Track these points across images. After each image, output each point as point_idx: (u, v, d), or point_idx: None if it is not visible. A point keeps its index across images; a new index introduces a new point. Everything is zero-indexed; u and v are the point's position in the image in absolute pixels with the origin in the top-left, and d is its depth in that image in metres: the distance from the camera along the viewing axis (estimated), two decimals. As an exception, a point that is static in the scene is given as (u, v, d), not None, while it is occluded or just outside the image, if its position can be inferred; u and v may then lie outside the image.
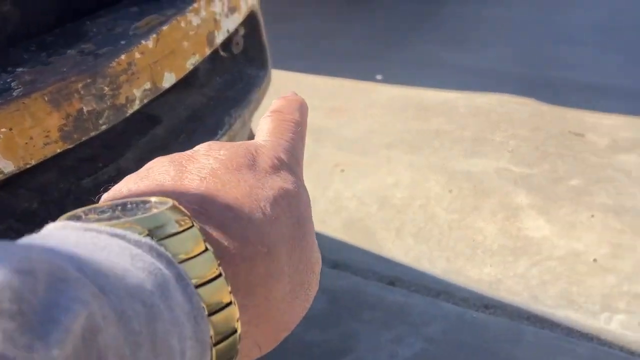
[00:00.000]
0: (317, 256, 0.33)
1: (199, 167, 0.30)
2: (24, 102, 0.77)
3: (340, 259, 1.76)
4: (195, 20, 1.01)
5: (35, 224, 0.89)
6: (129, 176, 0.31)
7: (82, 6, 1.03)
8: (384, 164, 2.15)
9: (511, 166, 2.09)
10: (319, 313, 1.59)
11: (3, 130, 0.76)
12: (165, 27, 0.94)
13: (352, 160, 2.18)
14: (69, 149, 0.84)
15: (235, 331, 0.26)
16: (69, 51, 0.87)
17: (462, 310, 1.57)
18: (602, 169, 2.04)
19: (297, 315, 0.32)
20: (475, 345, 1.46)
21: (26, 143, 0.79)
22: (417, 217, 1.89)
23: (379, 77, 2.76)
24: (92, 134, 0.86)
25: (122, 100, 0.88)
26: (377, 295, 1.63)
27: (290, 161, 0.33)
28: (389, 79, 2.73)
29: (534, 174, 2.04)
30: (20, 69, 0.83)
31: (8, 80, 0.80)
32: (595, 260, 1.68)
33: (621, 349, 1.43)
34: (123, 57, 0.87)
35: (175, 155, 0.32)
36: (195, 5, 1.01)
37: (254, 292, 0.27)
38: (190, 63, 1.01)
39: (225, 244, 0.27)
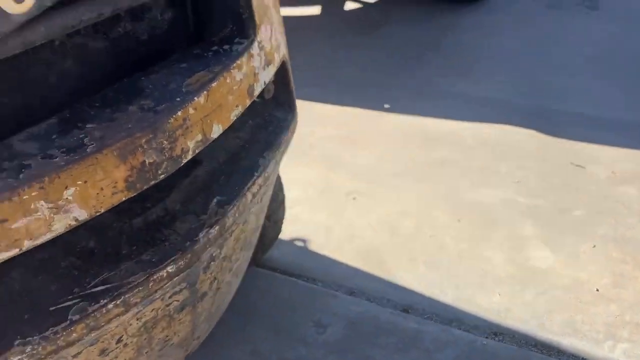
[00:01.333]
0: None
1: None
2: (96, 158, 0.87)
3: (356, 286, 1.85)
4: (238, 75, 1.11)
5: (93, 261, 0.99)
6: None
7: (135, 61, 1.13)
8: (394, 193, 2.25)
9: (517, 197, 2.19)
10: (336, 338, 1.67)
11: (79, 183, 0.86)
12: (214, 84, 1.04)
13: (364, 189, 2.28)
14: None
15: None
16: (130, 107, 0.97)
17: (473, 337, 1.65)
18: (604, 200, 2.14)
19: None
20: (486, 372, 1.54)
21: (97, 193, 0.88)
22: (427, 246, 1.98)
23: (386, 105, 2.87)
24: (152, 182, 0.95)
25: (177, 152, 0.98)
26: (392, 321, 1.71)
27: None
28: (397, 108, 2.84)
29: (539, 205, 2.14)
30: (89, 125, 0.92)
31: (81, 136, 0.90)
32: (597, 289, 1.78)
33: (624, 376, 1.52)
34: (179, 113, 0.97)
35: None
36: (239, 62, 1.11)
37: None
38: (234, 114, 1.11)
39: None
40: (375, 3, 4.20)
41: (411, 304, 1.77)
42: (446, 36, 3.58)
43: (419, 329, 1.69)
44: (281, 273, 1.90)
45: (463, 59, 3.30)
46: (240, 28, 1.18)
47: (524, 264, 1.89)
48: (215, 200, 1.15)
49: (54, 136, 0.90)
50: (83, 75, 1.05)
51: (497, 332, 1.67)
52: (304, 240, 2.03)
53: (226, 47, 1.15)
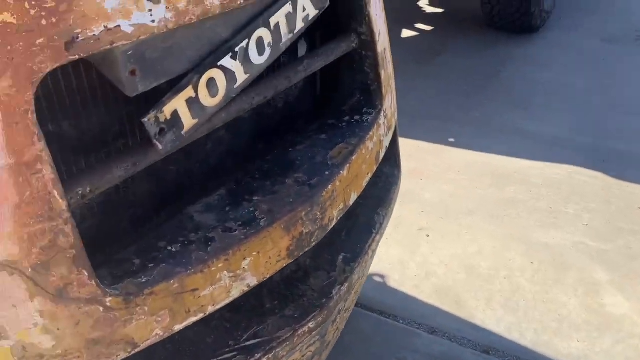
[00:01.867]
0: None
1: None
2: (268, 231, 0.97)
3: (437, 324, 1.93)
4: (370, 145, 1.21)
5: (242, 314, 1.08)
6: None
7: (272, 125, 1.23)
8: (466, 231, 2.32)
9: (587, 240, 2.25)
10: (421, 377, 1.76)
11: (254, 254, 0.96)
12: (354, 157, 1.14)
13: (436, 225, 2.36)
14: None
15: None
16: (287, 180, 1.07)
17: (553, 382, 1.72)
18: (674, 247, 2.19)
19: None
20: (570, 418, 1.61)
21: (266, 262, 0.98)
22: (503, 288, 2.06)
23: (451, 139, 2.95)
24: (306, 249, 1.05)
25: (326, 221, 1.08)
26: (474, 363, 1.79)
27: None
28: (461, 143, 2.91)
29: (608, 249, 2.20)
30: (255, 198, 1.03)
31: (251, 209, 1.00)
32: (674, 340, 1.83)
33: None
34: (330, 186, 1.07)
35: None
36: (371, 133, 1.21)
37: None
38: (365, 182, 1.21)
39: None
40: (430, 31, 4.28)
41: (491, 346, 1.85)
42: (504, 68, 3.64)
43: (501, 371, 1.76)
44: (364, 308, 1.99)
45: (523, 93, 3.36)
46: (368, 98, 1.28)
47: (598, 310, 1.95)
48: (341, 257, 1.25)
49: (227, 208, 1.01)
50: (233, 141, 1.16)
51: (577, 378, 1.74)
52: (382, 276, 2.12)
53: (357, 117, 1.25)
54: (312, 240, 1.06)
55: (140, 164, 0.87)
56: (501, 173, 2.67)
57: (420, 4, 4.77)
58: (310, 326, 1.12)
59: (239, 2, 0.84)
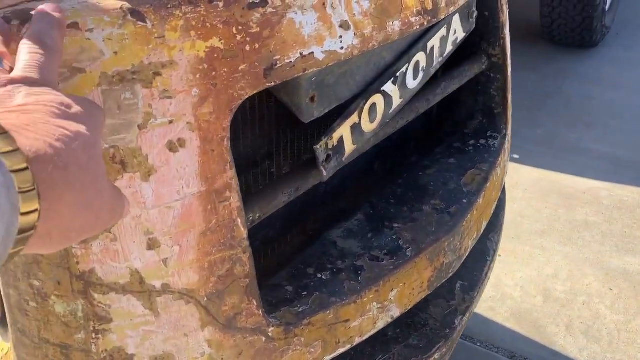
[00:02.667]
0: (106, 183, 0.46)
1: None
2: (415, 261, 0.94)
3: (517, 350, 1.88)
4: (499, 171, 1.17)
5: (365, 341, 1.04)
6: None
7: (392, 142, 1.20)
8: (540, 252, 2.27)
9: (666, 268, 2.18)
10: (504, 404, 1.71)
11: (401, 285, 0.93)
12: (488, 185, 1.10)
13: (508, 246, 2.31)
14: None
15: (37, 210, 0.39)
16: (424, 207, 1.04)
17: (643, 417, 1.67)
18: None
19: (87, 223, 0.45)
20: None
21: (409, 293, 0.95)
22: (583, 314, 2.00)
23: (516, 156, 2.89)
24: (443, 280, 1.02)
25: (463, 251, 1.04)
26: (558, 392, 1.74)
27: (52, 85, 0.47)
28: (526, 159, 2.86)
29: (690, 279, 2.13)
30: (396, 225, 1.00)
31: (394, 237, 0.97)
32: None
33: None
34: (469, 215, 1.03)
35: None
36: (499, 159, 1.17)
37: (50, 193, 0.40)
38: (493, 209, 1.17)
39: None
40: (485, 42, 4.22)
41: (575, 375, 1.80)
42: (567, 84, 3.57)
43: (588, 402, 1.71)
44: (441, 329, 1.95)
45: (587, 110, 3.29)
46: (492, 122, 1.24)
47: (685, 343, 1.89)
48: (458, 285, 1.22)
49: (369, 235, 0.98)
50: (358, 160, 1.13)
51: (668, 415, 1.68)
52: (457, 296, 2.08)
53: (482, 141, 1.21)
54: (450, 270, 1.02)
55: (301, 189, 0.85)
56: (570, 193, 2.61)
57: (472, 13, 4.71)
58: (436, 357, 1.09)
59: (415, 28, 0.81)
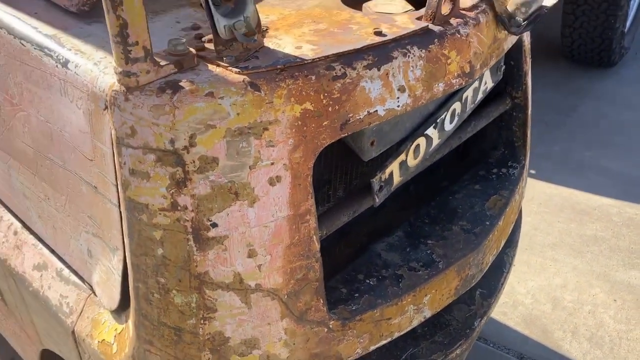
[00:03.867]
0: None
1: None
2: (445, 273, 1.15)
3: (526, 352, 2.08)
4: (517, 197, 1.38)
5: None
6: None
7: (429, 173, 1.41)
8: (551, 263, 2.46)
9: (668, 283, 2.36)
10: (513, 399, 1.91)
11: (433, 291, 1.14)
12: (508, 209, 1.31)
13: (521, 256, 2.50)
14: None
15: None
16: (453, 227, 1.25)
17: (638, 417, 1.86)
18: None
19: None
20: None
21: (439, 298, 1.16)
22: (588, 322, 2.20)
23: (532, 171, 3.08)
24: (467, 288, 1.22)
25: (484, 264, 1.25)
26: (562, 391, 1.94)
27: None
28: (542, 175, 3.04)
29: (690, 294, 2.31)
30: (430, 242, 1.21)
31: (428, 252, 1.18)
32: None
33: None
34: (491, 236, 1.24)
35: None
36: (518, 187, 1.38)
37: None
38: (511, 229, 1.37)
39: None
40: (507, 57, 4.39)
41: (578, 377, 1.99)
42: (583, 103, 3.74)
43: (588, 401, 1.91)
44: (457, 330, 2.16)
45: (601, 129, 3.46)
46: (513, 153, 1.44)
47: (680, 352, 2.08)
48: (478, 292, 1.42)
49: (407, 249, 1.19)
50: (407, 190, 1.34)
51: (660, 416, 1.87)
52: (473, 301, 2.28)
53: (504, 170, 1.42)
54: (474, 281, 1.23)
55: (357, 212, 1.06)
56: (582, 209, 2.80)
57: (495, 28, 4.87)
58: (457, 352, 1.30)
59: (455, 87, 1.02)
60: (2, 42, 1.05)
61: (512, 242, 1.56)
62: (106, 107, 0.85)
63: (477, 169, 1.43)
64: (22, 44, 1.00)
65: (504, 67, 1.24)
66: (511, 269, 1.52)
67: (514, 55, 1.33)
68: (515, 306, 2.27)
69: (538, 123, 3.52)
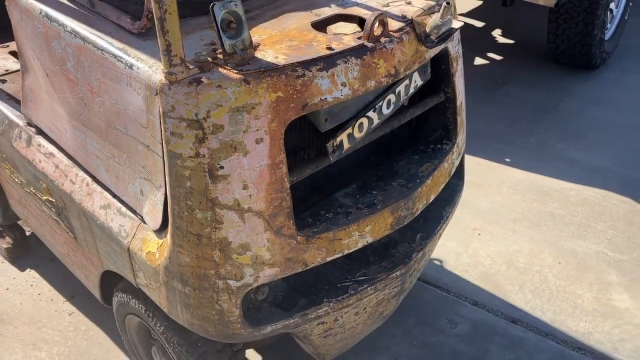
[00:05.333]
0: None
1: None
2: (382, 212, 1.66)
3: (479, 300, 2.58)
4: (446, 165, 1.88)
5: (355, 262, 1.82)
6: None
7: (383, 145, 1.92)
8: (511, 234, 2.95)
9: (607, 251, 2.82)
10: (463, 333, 2.41)
11: (372, 224, 1.65)
12: (436, 172, 1.81)
13: (487, 227, 2.99)
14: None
15: None
16: (393, 183, 1.76)
17: (562, 348, 2.34)
18: (678, 264, 2.74)
19: None
20: (570, 373, 2.23)
21: (378, 230, 1.67)
22: (534, 279, 2.67)
23: (507, 159, 3.55)
24: (400, 226, 1.73)
25: (414, 210, 1.76)
26: (504, 327, 2.43)
27: None
28: (516, 163, 3.51)
29: (624, 259, 2.77)
30: (374, 192, 1.72)
31: (372, 198, 1.70)
32: (661, 330, 2.40)
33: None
34: (419, 189, 1.75)
35: None
36: (447, 157, 1.88)
37: None
38: (440, 188, 1.88)
39: None
40: (500, 61, 4.85)
41: (519, 318, 2.48)
42: (563, 101, 4.19)
43: (524, 336, 2.39)
44: (425, 282, 2.66)
45: (577, 126, 3.89)
46: (447, 134, 1.95)
47: (606, 303, 2.54)
48: (418, 235, 1.93)
49: (357, 196, 1.71)
50: (359, 154, 1.86)
51: (581, 348, 2.35)
52: (441, 261, 2.78)
53: (439, 146, 1.92)
54: (405, 221, 1.74)
55: (318, 167, 1.58)
56: (545, 191, 3.26)
57: (494, 33, 5.33)
58: (397, 274, 1.81)
59: (384, 83, 1.53)
60: (87, 52, 1.60)
61: (450, 202, 2.06)
62: (157, 93, 1.39)
63: (419, 144, 1.94)
64: (102, 53, 1.55)
65: (429, 70, 1.74)
66: (448, 221, 2.02)
67: (443, 60, 1.83)
68: (475, 266, 2.76)
69: (520, 119, 3.99)
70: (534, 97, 4.24)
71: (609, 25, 4.52)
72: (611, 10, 4.49)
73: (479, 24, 5.42)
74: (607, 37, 4.50)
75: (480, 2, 5.72)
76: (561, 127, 3.89)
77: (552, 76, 4.52)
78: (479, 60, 4.83)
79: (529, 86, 4.38)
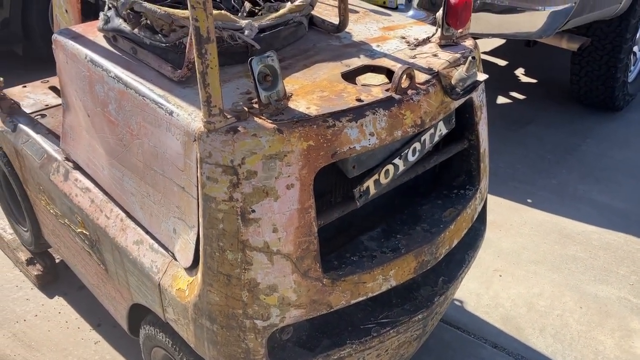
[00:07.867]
0: None
1: None
2: (405, 256, 1.71)
3: (499, 342, 2.58)
4: (469, 211, 1.92)
5: (378, 304, 1.87)
6: None
7: (409, 189, 1.97)
8: (532, 276, 2.95)
9: (630, 297, 2.81)
10: (483, 377, 2.41)
11: (396, 268, 1.69)
12: (459, 218, 1.86)
13: (508, 269, 3.00)
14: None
15: None
16: (417, 227, 1.80)
17: (583, 395, 2.33)
18: (703, 312, 2.71)
19: None
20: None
21: (402, 274, 1.72)
22: (554, 323, 2.67)
23: (529, 200, 3.57)
24: (424, 270, 1.77)
25: (438, 255, 1.80)
26: (524, 373, 2.43)
27: None
28: (537, 204, 3.53)
29: (647, 306, 2.76)
30: (398, 236, 1.77)
31: (396, 242, 1.74)
32: (685, 381, 2.38)
33: None
34: (443, 235, 1.79)
35: None
36: (470, 203, 1.92)
37: None
38: (463, 233, 1.92)
39: None
40: (522, 100, 4.90)
41: (539, 363, 2.48)
42: (585, 142, 4.21)
43: (544, 382, 2.39)
44: (446, 323, 2.67)
45: (599, 167, 3.91)
46: (470, 179, 1.99)
47: (628, 350, 2.53)
48: (441, 279, 1.96)
49: (382, 240, 1.76)
50: (384, 198, 1.91)
51: (602, 396, 2.34)
52: (461, 302, 2.80)
53: (462, 191, 1.97)
54: (428, 265, 1.78)
55: (345, 211, 1.64)
56: (567, 233, 3.27)
57: (517, 72, 5.39)
58: (419, 317, 1.84)
59: (410, 133, 1.60)
60: (129, 97, 1.69)
61: (473, 246, 2.10)
62: (195, 140, 1.47)
63: (442, 189, 1.98)
64: (144, 99, 1.64)
65: (454, 120, 1.80)
66: (470, 265, 2.05)
67: (467, 109, 1.89)
68: (496, 308, 2.77)
69: (542, 159, 4.02)
70: (556, 137, 4.27)
71: (632, 68, 4.56)
72: (634, 53, 4.53)
73: (502, 62, 5.49)
74: (630, 79, 4.53)
75: (504, 41, 5.80)
76: (583, 168, 3.91)
77: (574, 117, 4.55)
78: (501, 99, 4.89)
79: (552, 126, 4.41)
